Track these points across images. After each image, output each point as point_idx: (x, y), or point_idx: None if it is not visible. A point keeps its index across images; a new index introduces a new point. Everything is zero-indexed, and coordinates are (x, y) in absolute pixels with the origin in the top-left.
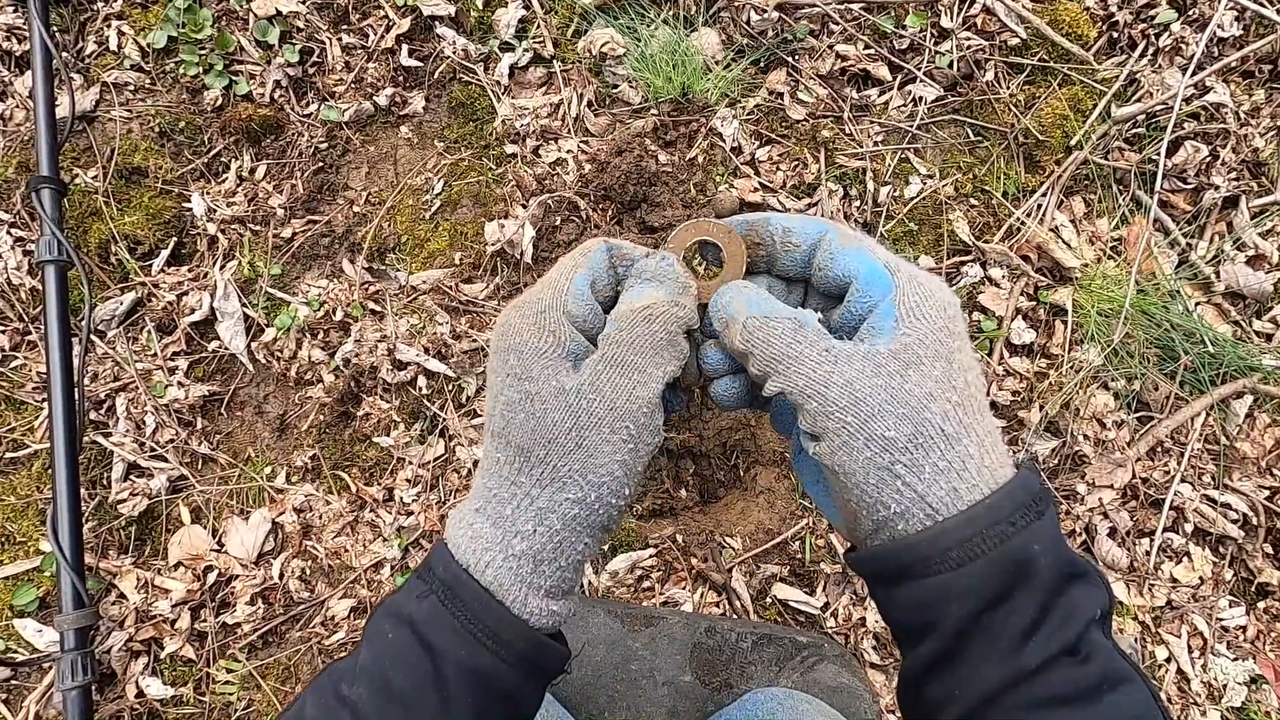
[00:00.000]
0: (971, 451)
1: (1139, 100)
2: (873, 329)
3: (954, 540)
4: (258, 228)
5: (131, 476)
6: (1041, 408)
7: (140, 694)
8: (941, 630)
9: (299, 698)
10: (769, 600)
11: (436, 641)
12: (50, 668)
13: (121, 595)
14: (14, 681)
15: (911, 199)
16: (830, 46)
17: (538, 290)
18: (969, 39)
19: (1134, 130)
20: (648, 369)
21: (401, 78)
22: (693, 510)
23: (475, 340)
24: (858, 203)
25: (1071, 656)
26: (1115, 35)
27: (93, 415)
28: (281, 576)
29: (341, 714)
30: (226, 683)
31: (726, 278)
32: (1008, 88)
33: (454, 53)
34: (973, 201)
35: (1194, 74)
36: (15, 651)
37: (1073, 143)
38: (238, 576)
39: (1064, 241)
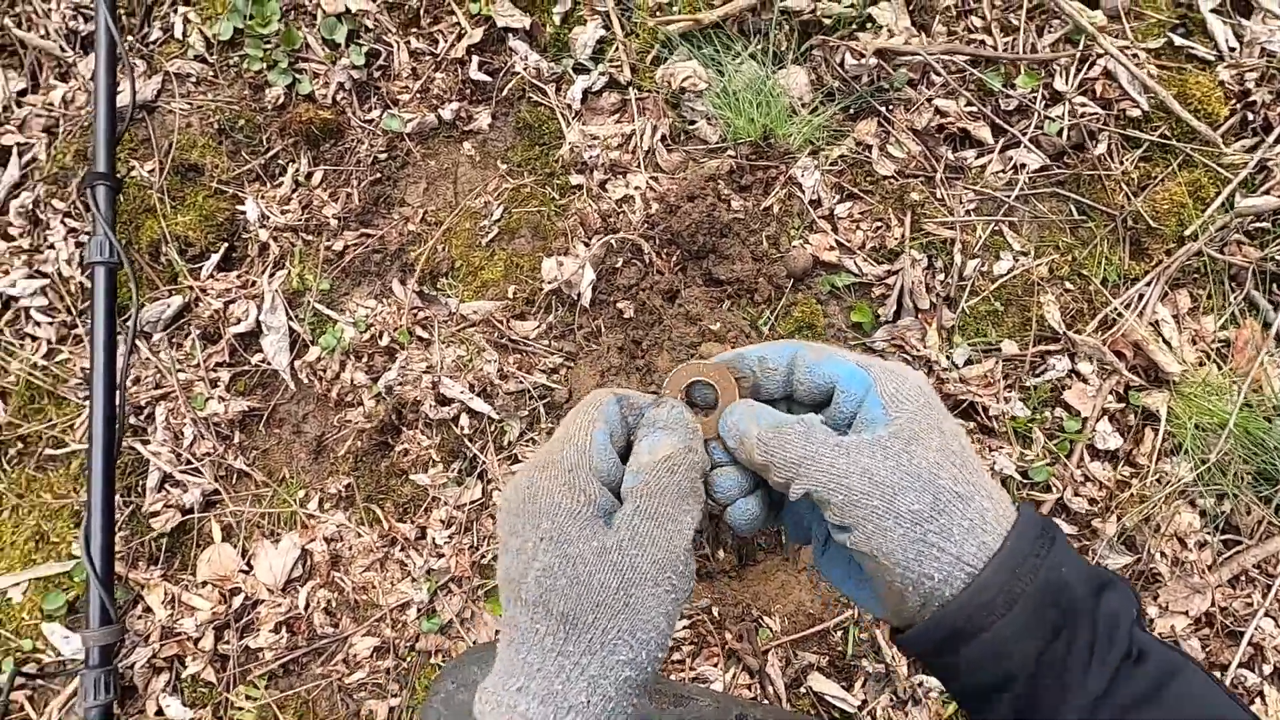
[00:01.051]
0: (986, 505)
1: (1268, 192)
2: (866, 420)
3: (993, 589)
4: (310, 237)
5: (166, 486)
6: (1119, 519)
7: (160, 712)
8: (1018, 680)
9: None
10: (803, 689)
11: None
12: (75, 673)
13: (148, 609)
14: (39, 681)
15: (1000, 276)
16: (929, 100)
17: (557, 449)
18: (1084, 105)
19: (1257, 224)
20: (679, 517)
21: (469, 91)
22: (730, 575)
23: (522, 382)
24: (942, 275)
25: (1127, 660)
26: (1250, 116)
27: (132, 420)
28: (307, 607)
29: None
30: (244, 710)
31: (721, 409)
32: (1121, 164)
33: (525, 69)
34: (1068, 285)
35: None
36: (42, 652)
37: (1187, 232)
38: (263, 601)
39: (1164, 339)
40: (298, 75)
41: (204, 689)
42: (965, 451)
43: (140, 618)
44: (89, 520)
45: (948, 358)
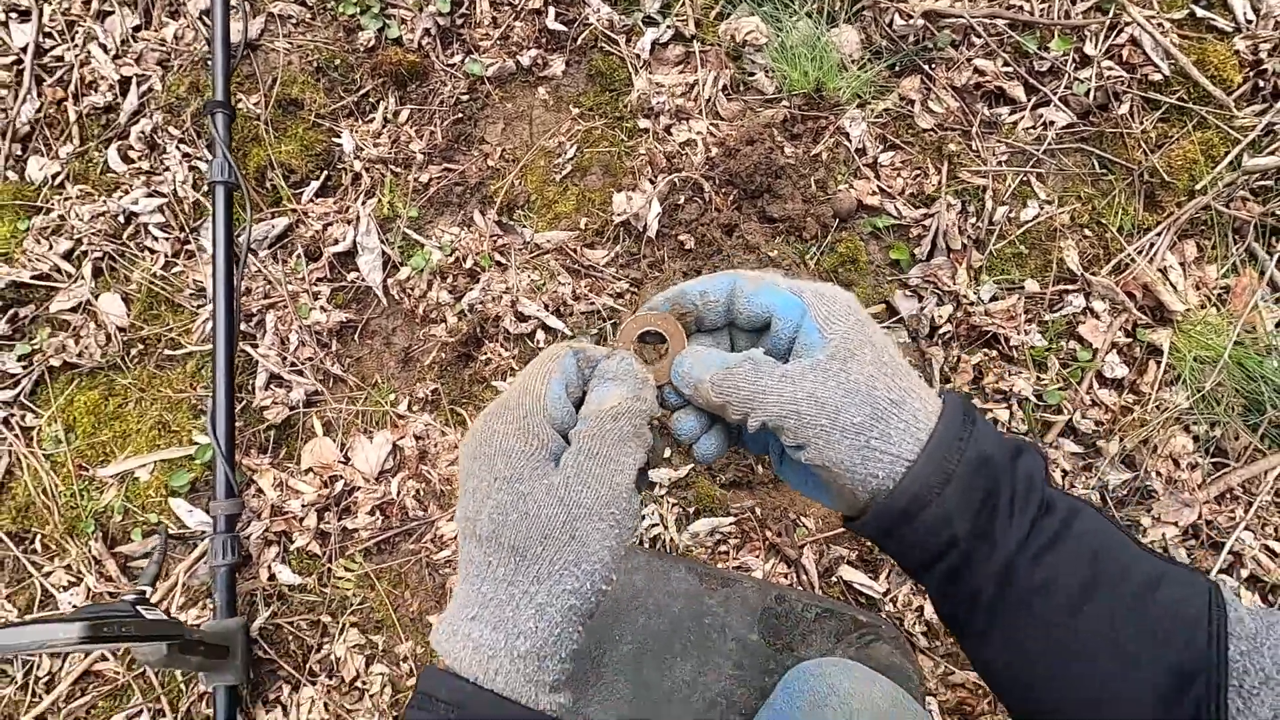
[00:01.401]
0: (917, 406)
1: (1273, 153)
2: (805, 345)
3: (928, 473)
4: (398, 170)
5: (272, 386)
6: (1121, 440)
7: (272, 577)
8: (959, 544)
9: None
10: (834, 579)
11: None
12: (195, 545)
13: (260, 490)
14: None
15: (1026, 223)
16: (969, 59)
17: (516, 398)
18: (1110, 69)
19: (1262, 182)
20: (620, 458)
21: (545, 40)
22: (768, 486)
23: (593, 303)
24: (973, 219)
25: (1040, 513)
26: (1260, 84)
27: (242, 327)
28: (398, 494)
29: None
30: (345, 579)
31: (672, 355)
32: (1141, 124)
33: (598, 21)
34: (1086, 232)
35: None
36: (166, 525)
37: (1198, 187)
38: (360, 488)
39: (1170, 284)
40: (387, 20)
41: (309, 560)
42: (895, 360)
43: (254, 497)
44: (214, 405)
45: (975, 294)
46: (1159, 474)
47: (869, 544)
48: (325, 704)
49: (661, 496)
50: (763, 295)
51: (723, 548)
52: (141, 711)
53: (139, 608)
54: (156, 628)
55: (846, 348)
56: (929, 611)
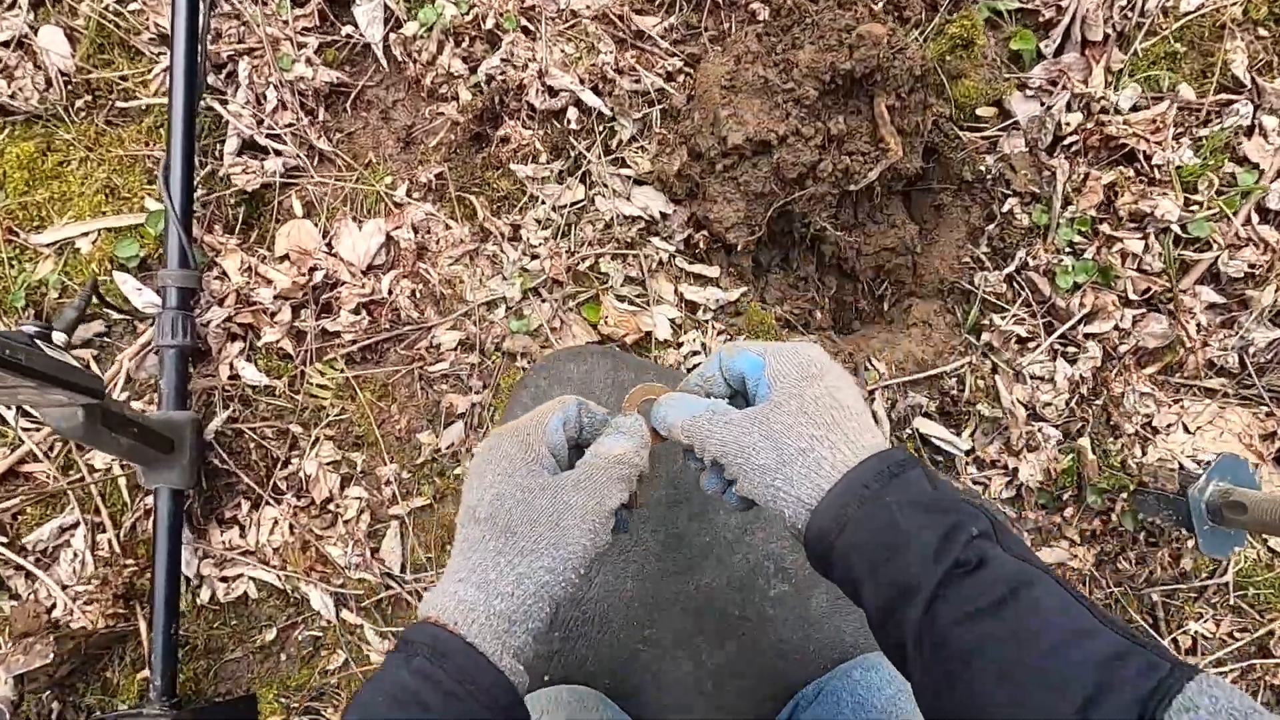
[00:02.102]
0: (824, 455)
1: None
2: (757, 397)
3: (827, 515)
4: None
5: (245, 155)
6: (1276, 291)
7: (234, 376)
8: (863, 584)
9: None
10: (908, 431)
11: (427, 697)
12: (144, 331)
13: (224, 274)
14: (106, 339)
15: (1187, 14)
16: None
17: (523, 424)
18: None
19: None
20: (611, 491)
21: None
22: (827, 331)
23: (639, 80)
24: (1120, 6)
25: (962, 568)
26: None
27: (210, 79)
28: (390, 293)
29: None
30: (321, 386)
31: None
32: None
33: None
34: (1261, 31)
35: None
36: (112, 307)
37: None
38: (345, 283)
39: None
40: None
41: (280, 361)
42: (822, 412)
43: (217, 279)
44: (168, 159)
45: (1113, 99)
46: None
47: (950, 394)
48: (290, 525)
49: (707, 321)
50: (736, 361)
51: None
52: (78, 524)
53: (40, 343)
54: (60, 370)
55: (778, 400)
56: (1024, 473)
